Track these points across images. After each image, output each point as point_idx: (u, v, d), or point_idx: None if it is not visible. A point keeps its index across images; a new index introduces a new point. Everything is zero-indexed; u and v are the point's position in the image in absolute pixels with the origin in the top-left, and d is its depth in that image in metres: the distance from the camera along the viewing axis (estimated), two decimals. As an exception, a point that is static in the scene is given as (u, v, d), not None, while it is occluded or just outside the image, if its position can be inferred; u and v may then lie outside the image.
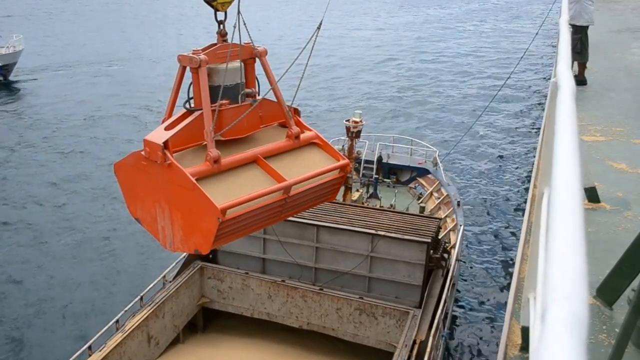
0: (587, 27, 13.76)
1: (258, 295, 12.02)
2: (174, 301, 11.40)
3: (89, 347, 9.27)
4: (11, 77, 38.08)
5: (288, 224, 11.60)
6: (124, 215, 18.85)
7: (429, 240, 11.07)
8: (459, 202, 14.81)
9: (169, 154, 5.31)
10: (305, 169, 6.13)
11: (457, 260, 12.60)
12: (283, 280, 11.86)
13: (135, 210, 5.98)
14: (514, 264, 7.55)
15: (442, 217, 14.25)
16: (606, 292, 5.34)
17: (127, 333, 10.00)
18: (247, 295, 12.10)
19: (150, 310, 10.67)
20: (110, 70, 41.30)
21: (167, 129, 5.56)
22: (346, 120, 14.17)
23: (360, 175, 16.61)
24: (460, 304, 15.30)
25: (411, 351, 9.79)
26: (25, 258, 17.22)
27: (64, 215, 19.89)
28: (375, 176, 16.27)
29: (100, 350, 9.48)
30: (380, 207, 13.90)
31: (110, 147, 26.09)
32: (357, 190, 15.14)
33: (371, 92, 36.05)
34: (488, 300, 15.60)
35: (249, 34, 5.68)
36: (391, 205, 14.39)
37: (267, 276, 12.05)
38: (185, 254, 12.03)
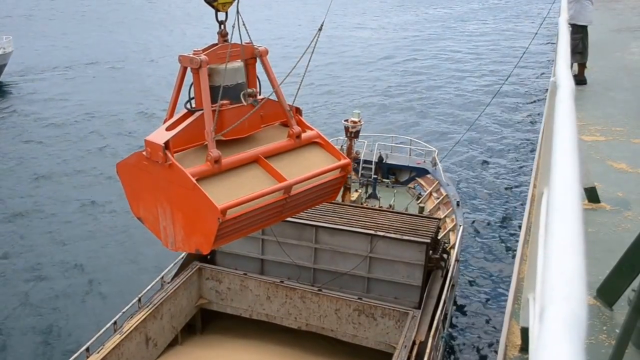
0: (586, 26, 13.73)
1: (257, 296, 11.99)
2: (172, 302, 11.36)
3: (87, 349, 9.24)
4: (1, 79, 37.92)
5: (287, 224, 11.57)
6: (122, 216, 18.91)
7: (429, 241, 11.04)
8: (458, 202, 14.78)
9: (169, 155, 5.34)
10: (306, 168, 6.13)
11: (457, 260, 12.56)
12: (282, 281, 11.82)
13: (137, 209, 6.02)
14: (513, 264, 7.52)
15: (442, 217, 14.22)
16: (606, 292, 5.30)
17: (125, 334, 9.96)
18: (246, 296, 12.07)
19: (149, 312, 10.63)
20: (111, 71, 41.25)
21: (168, 129, 5.58)
22: (345, 120, 14.15)
23: (359, 175, 16.57)
24: (459, 304, 15.27)
25: (411, 352, 9.76)
26: (22, 260, 17.18)
27: (60, 216, 19.85)
28: (374, 176, 16.23)
29: (97, 352, 9.45)
30: (379, 207, 13.87)
31: (112, 147, 26.05)
32: (356, 191, 15.12)
33: (370, 92, 36.03)
34: (487, 300, 15.57)
35: (248, 34, 5.68)
36: (390, 206, 14.35)
37: (266, 277, 12.01)
38: (183, 255, 12.03)
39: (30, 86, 37.04)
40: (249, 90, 5.98)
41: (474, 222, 19.45)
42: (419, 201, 15.81)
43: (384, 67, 43.25)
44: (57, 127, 29.10)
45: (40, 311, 14.88)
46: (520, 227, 8.99)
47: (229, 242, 6.16)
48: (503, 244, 18.29)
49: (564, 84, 3.73)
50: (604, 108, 11.67)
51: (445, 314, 11.40)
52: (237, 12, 5.66)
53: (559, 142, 2.54)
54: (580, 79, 13.29)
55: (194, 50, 5.68)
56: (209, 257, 12.61)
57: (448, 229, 14.04)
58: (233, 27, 5.68)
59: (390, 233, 11.23)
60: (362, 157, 16.57)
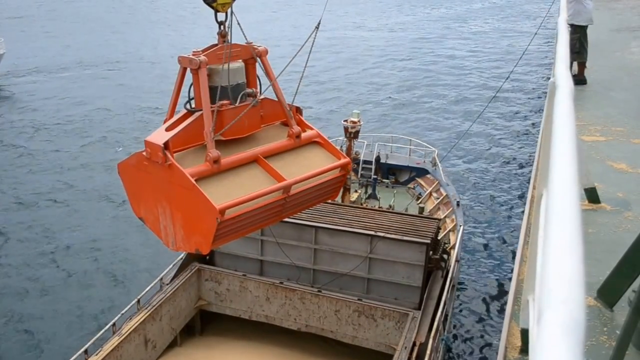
0: (586, 26, 13.71)
1: (256, 298, 11.96)
2: (171, 304, 11.33)
3: (85, 351, 9.21)
4: None
5: (286, 225, 11.55)
6: (120, 218, 18.91)
7: (429, 241, 11.01)
8: (458, 202, 14.75)
9: (169, 155, 5.38)
10: (305, 168, 6.15)
11: (457, 261, 12.53)
12: (281, 282, 11.80)
13: (138, 209, 6.08)
14: (513, 265, 7.50)
15: (442, 217, 14.19)
16: (607, 293, 5.29)
17: (123, 336, 9.93)
18: (245, 298, 12.04)
19: (147, 313, 10.60)
20: (113, 72, 41.23)
21: (167, 129, 5.63)
22: (344, 121, 14.11)
23: (359, 175, 16.54)
24: (460, 305, 15.24)
25: (411, 353, 9.73)
26: (20, 261, 17.15)
27: (57, 218, 19.83)
28: (373, 176, 16.20)
29: (96, 354, 9.42)
30: (379, 207, 13.84)
31: (111, 148, 26.04)
32: (356, 191, 15.09)
33: (369, 92, 36.01)
34: (488, 301, 15.55)
35: (244, 34, 5.70)
36: (390, 206, 14.32)
37: (265, 278, 11.99)
38: (182, 256, 12.01)
39: (24, 88, 36.98)
40: (249, 90, 5.99)
41: (474, 222, 19.42)
42: (418, 201, 15.78)
43: (384, 67, 43.23)
44: (53, 129, 29.06)
45: (38, 312, 14.86)
46: (520, 227, 8.97)
47: (228, 242, 6.19)
48: (503, 245, 18.27)
49: (563, 84, 3.72)
50: (604, 108, 11.66)
51: (446, 315, 11.37)
52: (232, 12, 5.69)
53: (558, 143, 2.52)
54: (580, 79, 13.28)
55: (194, 51, 5.72)
56: (207, 258, 12.58)
57: (448, 229, 14.01)
58: (229, 27, 5.71)
59: (390, 234, 11.20)
60: (361, 158, 16.54)
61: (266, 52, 6.22)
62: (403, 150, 18.32)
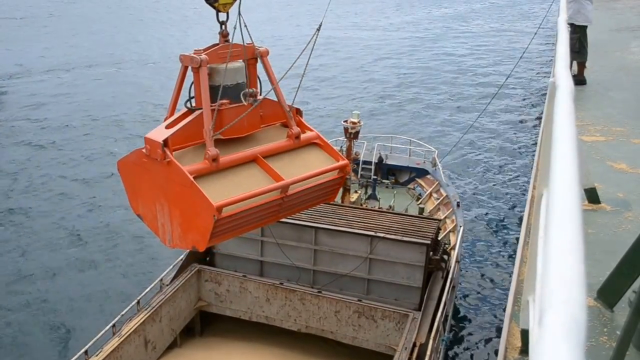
0: (585, 26, 13.71)
1: (256, 298, 11.95)
2: (171, 305, 11.33)
3: (85, 352, 9.20)
4: None
5: (286, 226, 11.55)
6: (120, 218, 18.89)
7: (429, 242, 11.00)
8: (458, 202, 14.73)
9: (168, 152, 5.43)
10: (304, 168, 6.18)
11: (457, 261, 12.53)
12: (281, 283, 11.79)
13: (137, 206, 6.13)
14: (513, 265, 7.49)
15: (442, 218, 14.19)
16: (607, 293, 5.28)
17: (123, 337, 9.93)
18: (245, 299, 12.04)
19: (147, 314, 10.60)
20: (112, 73, 41.22)
21: (167, 127, 5.69)
22: (344, 121, 14.12)
23: (359, 176, 16.54)
24: (460, 306, 15.23)
25: (411, 354, 9.72)
26: (20, 261, 17.15)
27: (57, 218, 19.82)
28: (373, 177, 16.19)
29: (96, 355, 9.41)
30: (379, 208, 13.84)
31: (112, 147, 26.03)
32: (356, 192, 15.08)
33: (369, 93, 36.01)
34: (488, 302, 15.54)
35: (249, 34, 5.73)
36: (390, 207, 14.32)
37: (265, 279, 11.98)
38: (182, 256, 12.01)
39: (25, 89, 36.97)
40: (249, 90, 6.02)
41: (474, 223, 19.42)
42: (418, 202, 15.78)
43: (384, 67, 43.25)
44: (53, 129, 29.06)
45: (37, 314, 14.84)
46: (520, 228, 8.97)
47: (225, 240, 6.22)
48: (503, 245, 18.26)
49: (563, 84, 3.71)
50: (604, 108, 11.65)
51: (446, 316, 11.37)
52: (239, 13, 5.72)
53: (558, 143, 2.51)
54: (580, 79, 13.28)
55: (195, 50, 5.77)
56: (208, 258, 12.58)
57: (448, 229, 14.00)
58: (234, 28, 5.73)
59: (390, 234, 11.19)
60: (361, 158, 16.55)
61: (267, 52, 6.25)
62: (403, 150, 18.31)
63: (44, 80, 38.95)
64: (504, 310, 7.96)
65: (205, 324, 12.54)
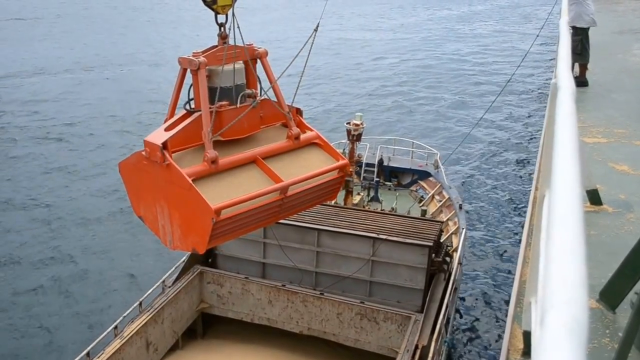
0: (587, 28, 13.70)
1: (258, 300, 11.95)
2: (173, 307, 11.33)
3: (87, 354, 9.20)
4: None
5: (289, 228, 11.56)
6: (122, 219, 18.90)
7: (431, 244, 10.99)
8: (460, 205, 14.72)
9: (167, 155, 5.44)
10: (304, 169, 6.20)
11: (459, 263, 12.52)
12: (283, 285, 11.79)
13: (138, 208, 6.16)
14: (515, 267, 7.49)
15: (444, 220, 14.17)
16: (609, 295, 5.28)
17: (125, 339, 9.93)
18: (247, 301, 12.03)
19: (149, 316, 10.60)
20: (115, 74, 41.28)
21: (167, 129, 5.71)
22: (347, 123, 14.12)
23: (361, 178, 16.53)
24: (462, 307, 15.22)
25: (413, 356, 9.71)
26: (21, 262, 17.16)
27: (58, 219, 19.83)
28: (376, 179, 16.20)
29: (98, 357, 9.41)
30: (382, 210, 13.82)
31: (113, 150, 26.05)
32: (358, 194, 15.07)
33: (372, 95, 36.01)
34: (490, 303, 15.52)
35: (241, 36, 5.74)
36: (392, 209, 14.31)
37: (268, 281, 11.98)
38: (184, 258, 12.02)
39: (31, 88, 37.01)
40: (248, 91, 6.04)
41: (476, 225, 19.40)
42: (421, 204, 15.75)
43: (386, 68, 43.25)
44: (59, 128, 29.09)
45: (39, 315, 14.85)
46: (522, 229, 8.97)
47: (225, 242, 6.26)
48: (505, 247, 18.25)
49: (564, 85, 3.72)
50: (606, 110, 11.65)
51: (448, 318, 11.35)
52: (233, 14, 5.74)
53: (560, 145, 2.52)
54: (581, 81, 13.27)
55: (194, 52, 5.79)
56: (210, 260, 12.59)
57: (450, 232, 13.99)
58: (229, 29, 5.76)
59: (393, 236, 11.18)
60: (364, 160, 16.55)
61: (266, 53, 6.27)
62: (405, 152, 18.30)
63: (50, 80, 39.01)
64: (506, 311, 7.96)
65: (207, 326, 12.54)
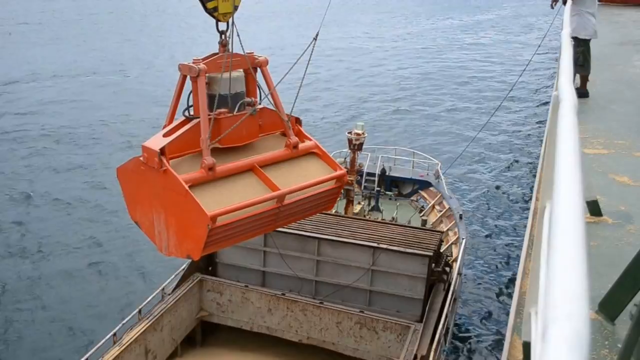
0: (589, 40, 13.72)
1: (258, 309, 11.94)
2: (173, 314, 11.32)
3: None
4: None
5: (289, 236, 11.57)
6: (122, 226, 18.87)
7: (431, 254, 11.01)
8: (461, 215, 14.73)
9: (164, 160, 5.46)
10: (301, 178, 6.21)
11: (459, 274, 12.52)
12: (283, 294, 11.78)
13: (135, 213, 6.17)
14: (515, 278, 7.49)
15: (444, 230, 14.18)
16: (608, 307, 5.28)
17: (124, 347, 9.91)
18: (247, 309, 12.03)
19: (149, 324, 10.58)
20: (117, 79, 41.36)
21: (165, 135, 5.73)
22: (348, 132, 14.15)
23: (362, 187, 16.55)
24: (461, 318, 15.20)
25: (412, 366, 9.71)
26: (19, 268, 17.14)
27: (59, 225, 19.83)
28: (377, 189, 16.22)
29: None
30: (382, 220, 13.84)
31: (114, 156, 26.06)
32: (359, 203, 15.08)
33: (373, 104, 36.05)
34: (490, 314, 15.51)
35: (241, 44, 5.77)
36: (393, 218, 14.33)
37: (267, 289, 11.97)
38: (184, 266, 12.02)
39: (31, 95, 37.06)
40: (248, 99, 6.06)
41: (476, 235, 19.40)
42: (421, 214, 15.77)
43: (388, 77, 43.33)
44: (58, 135, 29.12)
45: (38, 321, 14.83)
46: (522, 240, 8.97)
47: (220, 249, 6.27)
48: (505, 258, 18.24)
49: (566, 97, 3.73)
50: (607, 121, 11.66)
51: (447, 328, 11.35)
52: (232, 23, 5.77)
53: (561, 157, 2.53)
54: (582, 92, 13.28)
55: (194, 59, 5.82)
56: (210, 268, 12.58)
57: (450, 242, 14.00)
58: (228, 37, 5.80)
59: (393, 246, 11.20)
60: (365, 170, 16.58)
61: (266, 62, 6.30)
62: (406, 162, 18.32)
63: (49, 87, 39.07)
64: (506, 322, 7.96)
65: (206, 334, 12.52)
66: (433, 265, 11.19)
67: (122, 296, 15.79)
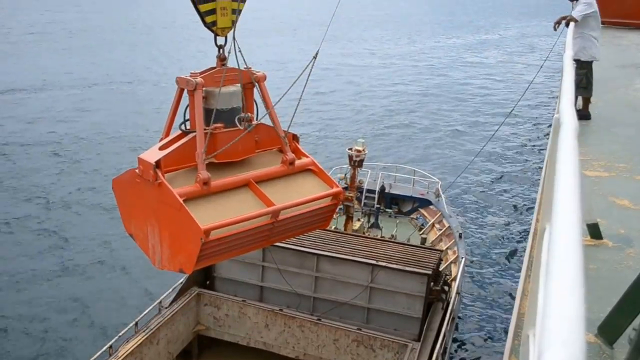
0: (591, 62, 13.75)
1: (255, 324, 11.90)
2: (169, 328, 11.28)
3: None
4: None
5: (287, 252, 11.55)
6: (119, 239, 18.85)
7: (430, 272, 10.98)
8: (460, 234, 14.71)
9: (160, 174, 5.46)
10: (296, 194, 6.20)
11: (458, 293, 12.48)
12: (281, 309, 11.74)
13: (129, 226, 6.16)
14: (514, 299, 7.46)
15: (444, 249, 14.15)
16: (607, 330, 5.25)
17: (120, 359, 9.87)
18: (244, 324, 11.98)
19: (145, 337, 10.54)
20: (118, 92, 41.46)
21: (161, 148, 5.73)
22: (349, 149, 14.15)
23: (362, 204, 16.53)
24: (459, 337, 15.13)
25: (409, 385, 9.66)
26: (16, 279, 17.10)
27: (55, 236, 19.80)
28: (377, 206, 16.20)
29: None
30: (381, 237, 13.81)
31: (114, 166, 26.09)
32: (359, 220, 15.06)
33: (374, 121, 36.11)
34: (488, 334, 15.44)
35: (244, 59, 5.79)
36: (392, 236, 14.30)
37: (265, 305, 11.94)
38: (182, 280, 11.98)
39: (41, 104, 37.17)
40: (244, 114, 6.06)
41: (476, 254, 19.36)
42: (421, 232, 15.75)
43: (389, 95, 43.42)
44: (67, 144, 29.16)
45: (33, 332, 14.76)
46: (522, 261, 8.95)
47: (213, 263, 6.24)
48: (505, 278, 18.19)
49: (567, 121, 3.73)
50: (608, 144, 11.66)
51: (445, 347, 11.29)
52: (234, 38, 5.80)
53: (561, 180, 2.53)
54: (584, 114, 13.29)
55: (191, 73, 5.83)
56: (208, 282, 12.56)
57: (450, 261, 13.97)
58: (229, 52, 5.82)
59: (392, 263, 11.17)
60: (365, 187, 16.57)
61: (264, 77, 6.30)
62: (407, 180, 18.32)
63: (59, 96, 39.21)
64: (504, 343, 7.92)
65: (202, 348, 12.47)
66: (432, 283, 11.16)
67: (118, 309, 15.73)
